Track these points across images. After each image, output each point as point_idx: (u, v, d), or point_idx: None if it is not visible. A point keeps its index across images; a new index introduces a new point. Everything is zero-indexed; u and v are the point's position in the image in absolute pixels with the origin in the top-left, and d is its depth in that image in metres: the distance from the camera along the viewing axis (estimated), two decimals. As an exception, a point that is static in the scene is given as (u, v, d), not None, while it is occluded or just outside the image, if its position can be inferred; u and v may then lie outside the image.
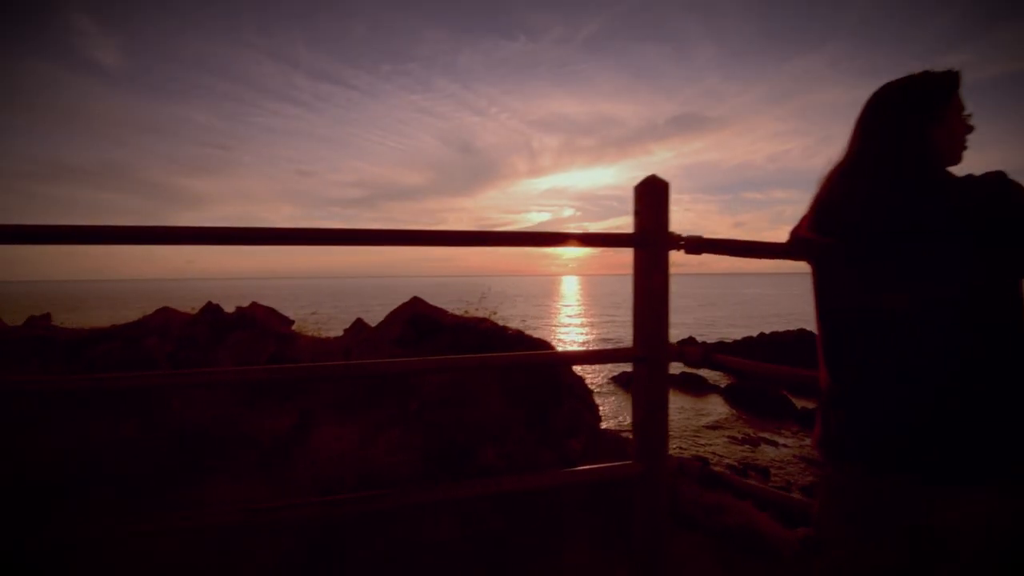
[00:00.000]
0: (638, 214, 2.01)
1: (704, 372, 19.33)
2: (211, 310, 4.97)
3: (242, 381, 3.01)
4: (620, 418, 13.67)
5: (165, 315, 5.05)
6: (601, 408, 4.39)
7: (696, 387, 16.82)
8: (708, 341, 25.94)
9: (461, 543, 2.48)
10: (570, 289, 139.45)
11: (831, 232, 1.31)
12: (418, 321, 4.70)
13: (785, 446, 11.10)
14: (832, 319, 1.30)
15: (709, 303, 63.25)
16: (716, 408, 14.35)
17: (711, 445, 11.25)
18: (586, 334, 31.95)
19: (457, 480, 2.37)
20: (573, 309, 58.41)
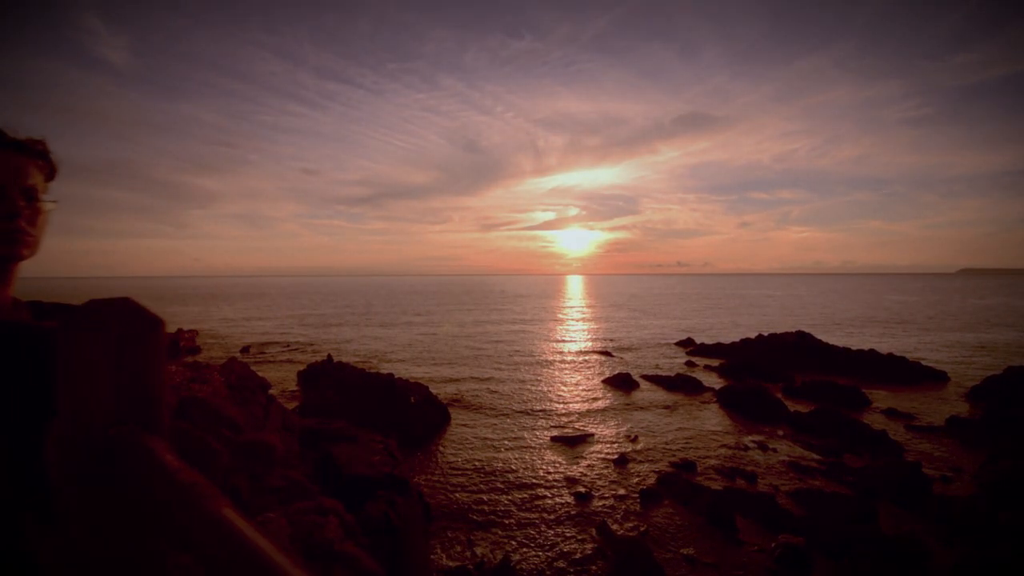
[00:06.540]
0: None
1: (699, 373, 19.15)
2: None
3: None
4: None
5: None
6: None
7: (691, 388, 16.64)
8: (707, 343, 25.73)
9: None
10: (575, 288, 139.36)
11: None
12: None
13: (774, 450, 10.92)
14: None
15: (712, 304, 62.95)
16: (709, 410, 14.14)
17: (699, 448, 11.06)
18: (585, 332, 31.83)
19: None
20: (575, 308, 58.26)
